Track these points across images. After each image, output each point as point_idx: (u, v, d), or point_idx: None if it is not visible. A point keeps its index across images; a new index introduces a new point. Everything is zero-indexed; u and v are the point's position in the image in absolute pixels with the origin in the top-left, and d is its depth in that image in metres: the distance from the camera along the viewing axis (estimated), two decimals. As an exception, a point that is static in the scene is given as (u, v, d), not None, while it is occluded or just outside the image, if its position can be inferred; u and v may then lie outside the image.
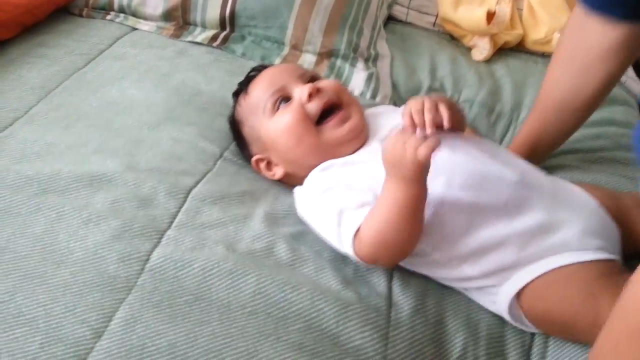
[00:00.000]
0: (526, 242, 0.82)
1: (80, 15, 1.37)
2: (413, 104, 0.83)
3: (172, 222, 0.86)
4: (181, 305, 0.74)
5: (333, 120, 0.93)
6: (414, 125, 0.81)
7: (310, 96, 0.93)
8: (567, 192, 0.89)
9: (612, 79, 0.97)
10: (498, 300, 0.83)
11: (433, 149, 0.75)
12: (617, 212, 0.89)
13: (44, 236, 0.79)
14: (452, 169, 0.84)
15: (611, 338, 0.63)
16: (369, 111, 1.03)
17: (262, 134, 0.95)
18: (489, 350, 0.82)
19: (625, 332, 0.61)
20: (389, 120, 0.97)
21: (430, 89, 1.31)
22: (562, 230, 0.83)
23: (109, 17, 1.36)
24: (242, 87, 1.01)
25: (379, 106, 1.09)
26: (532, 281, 0.81)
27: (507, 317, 0.83)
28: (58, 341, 0.69)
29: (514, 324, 0.84)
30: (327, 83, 0.97)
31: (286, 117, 0.93)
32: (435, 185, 0.82)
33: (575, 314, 0.79)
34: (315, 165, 0.91)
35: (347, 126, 0.93)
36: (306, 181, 0.91)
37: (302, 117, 0.92)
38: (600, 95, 0.99)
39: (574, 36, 0.97)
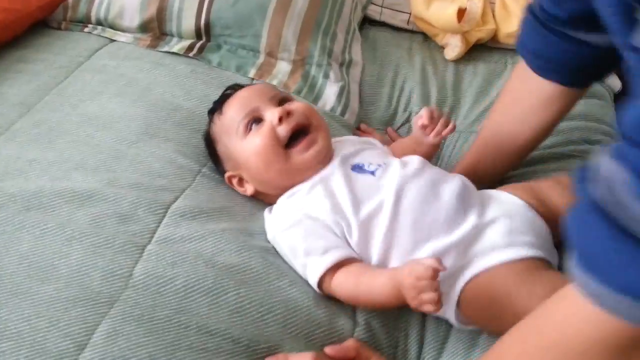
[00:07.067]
0: (463, 250, 0.86)
1: (59, 29, 1.38)
2: (432, 111, 1.02)
3: (152, 237, 0.87)
4: (162, 319, 0.76)
5: (300, 145, 0.95)
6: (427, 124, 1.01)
7: (281, 119, 0.95)
8: (494, 197, 0.94)
9: (547, 129, 1.02)
10: (447, 308, 0.87)
11: (437, 311, 0.77)
12: (539, 203, 0.93)
13: (29, 253, 0.80)
14: (400, 193, 0.89)
15: (522, 345, 0.64)
16: (334, 140, 1.05)
17: (235, 154, 0.98)
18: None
19: (539, 347, 0.62)
20: (353, 145, 1.01)
21: (396, 106, 1.34)
22: (490, 231, 0.88)
23: (86, 29, 1.37)
24: (217, 106, 1.03)
25: (344, 137, 1.12)
26: (466, 285, 0.85)
27: (454, 323, 0.88)
28: (43, 354, 0.70)
29: (461, 327, 0.88)
30: (297, 105, 0.99)
31: (257, 140, 0.95)
32: (385, 210, 0.88)
33: (496, 313, 0.82)
34: (284, 186, 0.95)
35: (312, 151, 0.95)
36: (275, 208, 0.95)
37: (272, 142, 0.95)
38: (534, 143, 1.05)
39: (517, 84, 1.02)
